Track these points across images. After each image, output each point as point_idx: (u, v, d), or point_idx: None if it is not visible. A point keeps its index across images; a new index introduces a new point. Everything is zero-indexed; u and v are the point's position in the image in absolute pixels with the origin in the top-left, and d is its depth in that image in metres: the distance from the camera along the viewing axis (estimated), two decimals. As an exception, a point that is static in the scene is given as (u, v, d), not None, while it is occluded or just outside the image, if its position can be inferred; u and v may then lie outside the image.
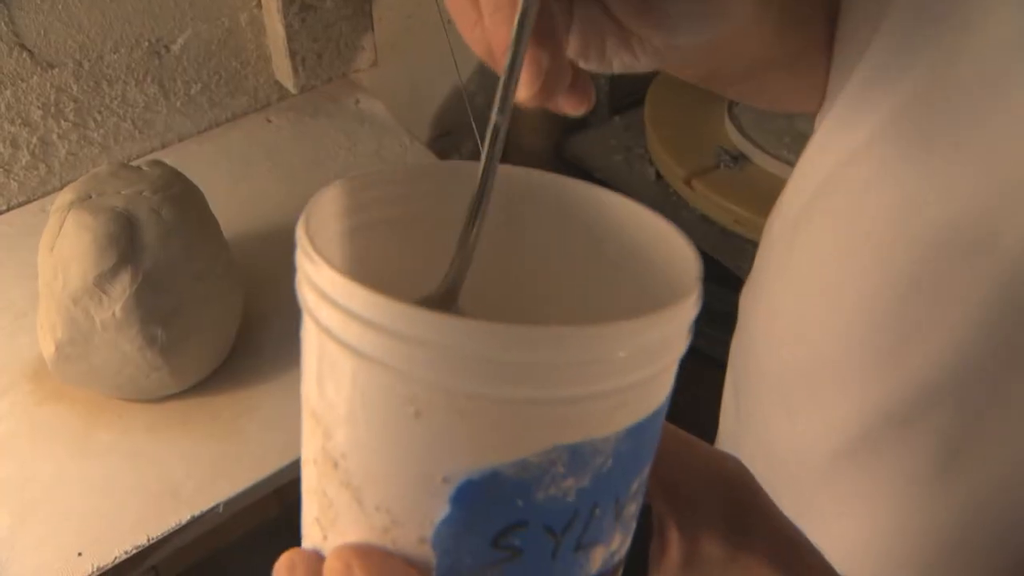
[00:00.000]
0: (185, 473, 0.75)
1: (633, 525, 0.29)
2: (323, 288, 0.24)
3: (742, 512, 0.31)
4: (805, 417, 0.50)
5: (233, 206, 0.97)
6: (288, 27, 1.01)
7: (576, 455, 0.25)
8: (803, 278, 0.49)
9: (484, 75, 1.36)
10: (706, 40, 0.35)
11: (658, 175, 1.31)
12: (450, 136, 1.39)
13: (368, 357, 0.23)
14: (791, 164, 1.20)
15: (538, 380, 0.23)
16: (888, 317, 0.44)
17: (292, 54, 1.04)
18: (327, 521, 0.27)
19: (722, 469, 0.32)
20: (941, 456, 0.45)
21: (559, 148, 1.41)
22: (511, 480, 0.24)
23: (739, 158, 1.25)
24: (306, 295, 0.26)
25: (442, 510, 0.24)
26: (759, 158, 1.24)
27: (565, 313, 0.33)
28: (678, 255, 0.29)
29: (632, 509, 0.28)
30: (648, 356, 0.25)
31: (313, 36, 1.04)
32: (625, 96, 1.45)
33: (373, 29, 1.08)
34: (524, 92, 0.31)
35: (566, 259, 0.33)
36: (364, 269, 0.30)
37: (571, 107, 0.34)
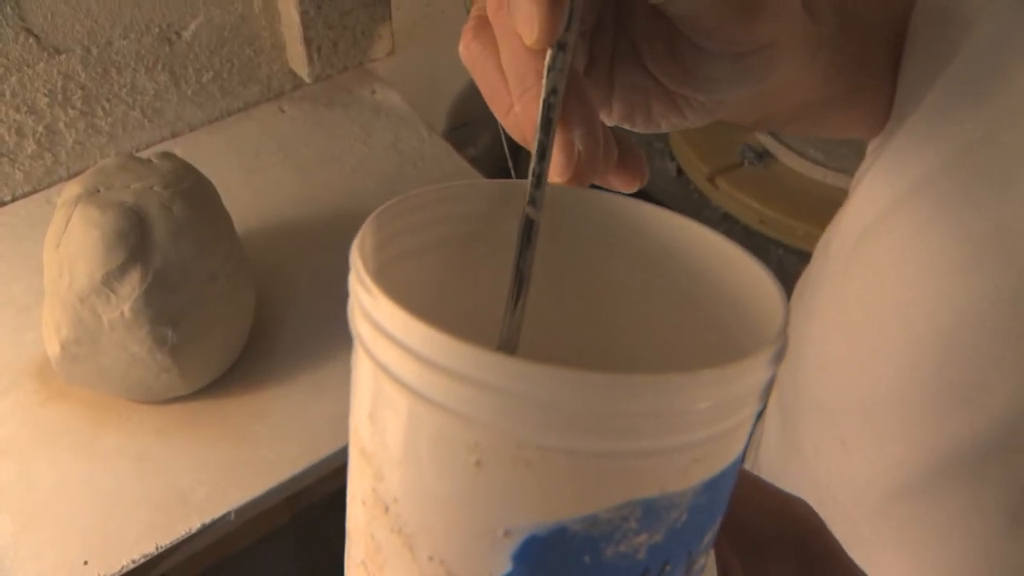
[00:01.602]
0: (195, 479, 0.72)
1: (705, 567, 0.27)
2: (380, 322, 0.22)
3: (811, 560, 0.29)
4: (862, 452, 0.47)
5: (244, 199, 0.94)
6: (303, 14, 0.98)
7: (650, 510, 0.22)
8: (866, 304, 0.46)
9: (503, 66, 1.33)
10: (754, 94, 0.33)
11: (679, 171, 1.27)
12: (468, 127, 1.36)
13: (427, 399, 0.21)
14: (818, 163, 1.18)
15: (613, 432, 0.21)
16: (965, 354, 0.41)
17: (307, 42, 1.00)
18: (374, 567, 0.25)
19: (791, 513, 0.30)
20: (1013, 505, 0.42)
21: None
22: (579, 536, 0.22)
23: (764, 155, 1.21)
24: (360, 327, 0.23)
25: (503, 566, 0.22)
26: (785, 156, 1.20)
27: (633, 348, 0.31)
28: (761, 292, 0.26)
29: (702, 561, 0.26)
30: (731, 407, 0.22)
31: (329, 24, 1.00)
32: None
33: (391, 17, 1.05)
34: (558, 178, 0.28)
35: (634, 288, 0.31)
36: (420, 296, 0.27)
37: (622, 184, 0.32)
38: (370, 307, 0.22)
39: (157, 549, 0.69)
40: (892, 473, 0.46)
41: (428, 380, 0.21)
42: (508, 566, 0.22)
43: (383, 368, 0.22)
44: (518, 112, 0.29)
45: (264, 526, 0.77)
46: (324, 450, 0.75)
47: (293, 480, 0.74)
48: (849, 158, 1.18)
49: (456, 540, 0.22)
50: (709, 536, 0.26)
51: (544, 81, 0.27)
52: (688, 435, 0.22)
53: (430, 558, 0.23)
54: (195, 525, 0.70)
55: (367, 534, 0.25)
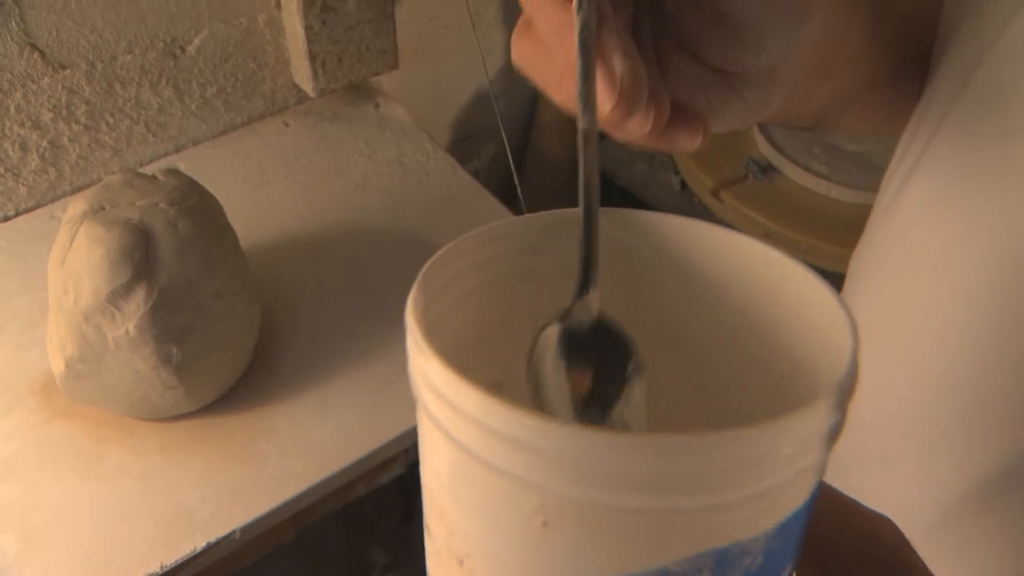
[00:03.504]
0: (200, 497, 0.72)
1: None
2: (440, 389, 0.22)
3: None
4: (907, 469, 0.47)
5: (248, 214, 0.94)
6: (308, 29, 0.98)
7: (723, 560, 0.22)
8: (901, 320, 0.46)
9: (508, 78, 1.33)
10: (793, 43, 0.33)
11: (683, 185, 1.27)
12: (471, 140, 1.36)
13: (492, 466, 0.21)
14: (822, 176, 1.18)
15: (677, 489, 0.21)
16: (1002, 367, 0.41)
17: (312, 56, 1.00)
18: None
19: (876, 531, 0.29)
20: None
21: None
22: None
23: (768, 169, 1.21)
24: (421, 390, 0.23)
25: None
26: (789, 170, 1.20)
27: (697, 374, 0.30)
28: (827, 317, 0.26)
29: None
30: (799, 453, 0.22)
31: (334, 38, 1.00)
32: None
33: (395, 32, 1.05)
34: (606, 104, 0.29)
35: (692, 312, 0.30)
36: (474, 341, 0.28)
37: (685, 140, 0.33)
38: (427, 372, 0.22)
39: (162, 568, 0.68)
40: (942, 490, 0.45)
41: (489, 446, 0.21)
42: None
43: (445, 433, 0.22)
44: (560, 66, 0.30)
45: (269, 544, 0.76)
46: (329, 468, 0.74)
47: (298, 498, 0.73)
48: (854, 172, 1.18)
49: None
50: (787, 570, 0.25)
51: (575, 20, 0.29)
52: (756, 486, 0.21)
53: None
54: (200, 544, 0.69)
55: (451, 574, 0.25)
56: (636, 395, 0.27)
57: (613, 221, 0.29)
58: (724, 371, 0.31)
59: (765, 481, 0.21)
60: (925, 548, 0.48)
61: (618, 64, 0.29)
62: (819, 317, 0.26)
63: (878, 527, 0.29)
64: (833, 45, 0.40)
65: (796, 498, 0.23)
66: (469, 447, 0.22)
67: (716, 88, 0.33)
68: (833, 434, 0.23)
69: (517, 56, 0.33)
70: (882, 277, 0.48)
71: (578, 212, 0.28)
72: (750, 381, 0.30)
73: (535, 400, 0.27)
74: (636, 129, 0.32)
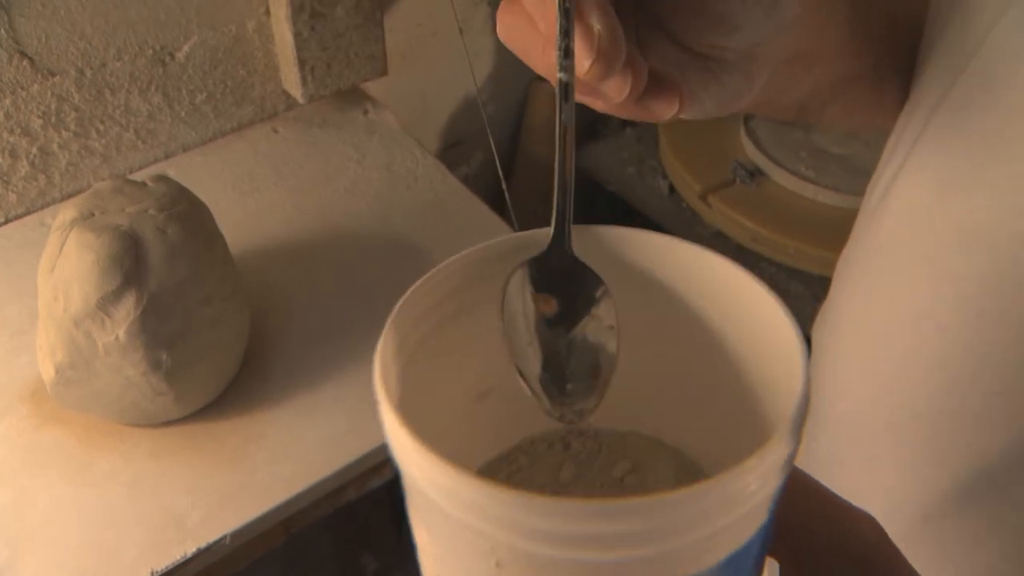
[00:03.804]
0: (190, 502, 0.72)
1: None
2: (406, 457, 0.24)
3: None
4: (890, 470, 0.47)
5: (238, 220, 0.94)
6: (297, 35, 0.98)
7: None
8: (885, 321, 0.46)
9: (496, 84, 1.34)
10: (767, 28, 0.34)
11: (671, 189, 1.28)
12: (460, 146, 1.36)
13: (453, 516, 0.23)
14: (809, 180, 1.19)
15: (623, 545, 0.22)
16: (984, 369, 0.41)
17: (301, 63, 1.01)
18: None
19: (856, 530, 0.29)
20: None
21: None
22: None
23: (755, 173, 1.22)
24: (393, 448, 0.25)
25: None
26: (776, 173, 1.21)
27: (657, 376, 0.31)
28: (785, 346, 0.26)
29: None
30: (743, 498, 0.23)
31: (323, 45, 1.01)
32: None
33: (384, 38, 1.05)
34: (585, 60, 0.30)
35: (651, 326, 0.31)
36: (445, 375, 0.29)
37: (663, 107, 0.34)
38: (395, 443, 0.24)
39: (152, 574, 0.68)
40: (925, 490, 0.46)
41: (449, 500, 0.23)
42: None
43: (414, 482, 0.24)
44: (543, 35, 0.31)
45: (260, 549, 0.77)
46: (319, 473, 0.75)
47: (288, 503, 0.73)
48: (840, 176, 1.19)
49: None
50: None
51: None
52: (704, 531, 0.22)
53: None
54: (190, 549, 0.69)
55: None
56: (604, 315, 0.29)
57: (583, 237, 0.30)
58: (688, 384, 0.31)
59: (715, 525, 0.22)
60: (909, 547, 0.48)
61: (596, 23, 0.30)
62: (777, 341, 0.26)
63: (858, 523, 0.29)
64: (812, 37, 0.41)
65: (747, 531, 0.24)
66: (432, 497, 0.23)
67: (694, 71, 0.34)
68: (788, 464, 0.24)
69: (502, 29, 0.34)
70: (868, 279, 0.48)
71: (541, 230, 0.29)
72: (711, 394, 0.31)
73: (505, 333, 0.28)
74: (614, 93, 0.33)
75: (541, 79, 1.37)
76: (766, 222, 1.16)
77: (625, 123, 1.41)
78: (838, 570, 0.28)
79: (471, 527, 0.23)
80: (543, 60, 0.32)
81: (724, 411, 0.30)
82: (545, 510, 0.21)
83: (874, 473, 0.48)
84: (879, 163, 0.50)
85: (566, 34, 0.30)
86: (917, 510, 0.46)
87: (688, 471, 0.32)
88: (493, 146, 1.01)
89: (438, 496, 0.23)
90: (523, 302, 0.28)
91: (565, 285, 0.29)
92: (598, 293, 0.29)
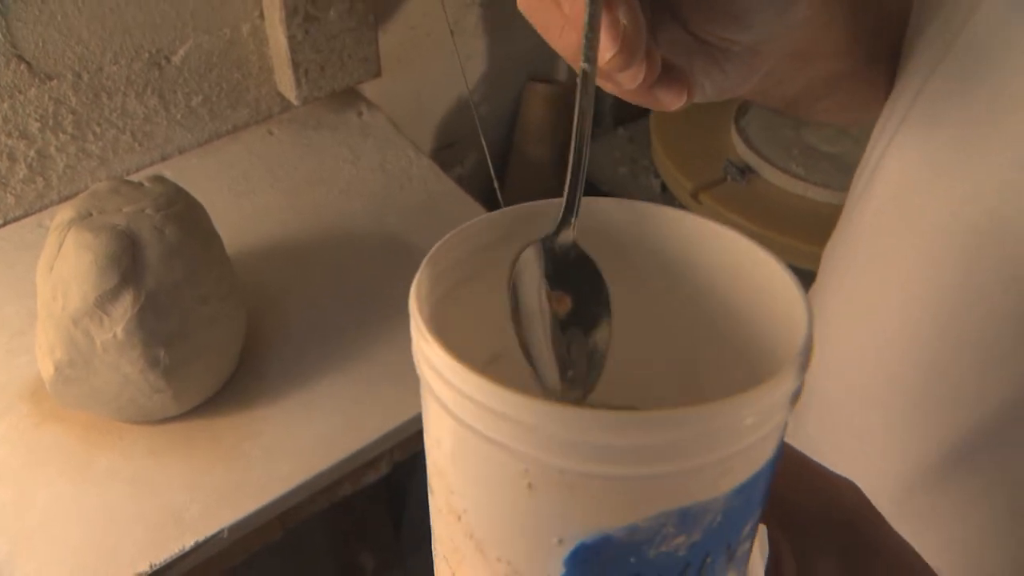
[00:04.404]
0: (188, 498, 0.73)
1: (747, 558, 0.29)
2: (441, 371, 0.25)
3: (859, 546, 0.31)
4: (876, 446, 0.49)
5: (234, 221, 0.96)
6: (291, 38, 1.00)
7: (685, 517, 0.25)
8: (872, 301, 0.48)
9: (489, 85, 1.35)
10: (778, 26, 0.36)
11: (663, 188, 1.29)
12: (454, 147, 1.37)
13: (483, 435, 0.24)
14: (799, 178, 1.20)
15: (643, 460, 0.24)
16: (965, 343, 0.43)
17: (295, 65, 1.02)
18: (455, 562, 0.29)
19: (839, 498, 0.31)
20: (1020, 486, 0.43)
21: (564, 159, 1.39)
22: (623, 542, 0.25)
23: (746, 171, 1.23)
24: (424, 371, 0.26)
25: (559, 569, 0.26)
26: (767, 171, 1.22)
27: (661, 349, 0.33)
28: (788, 302, 0.28)
29: (746, 547, 0.28)
30: (755, 424, 0.24)
31: (316, 47, 1.02)
32: (629, 106, 1.43)
33: (377, 40, 1.06)
34: (609, 50, 0.32)
35: (657, 291, 0.32)
36: (472, 323, 0.30)
37: (671, 98, 0.35)
38: (430, 355, 0.25)
39: (151, 567, 0.69)
40: (906, 464, 0.47)
41: (482, 419, 0.24)
42: (563, 569, 0.25)
43: (444, 407, 0.25)
44: (563, 16, 0.32)
45: (256, 543, 0.78)
46: (315, 468, 0.76)
47: (284, 498, 0.75)
48: (830, 173, 1.20)
49: (517, 546, 0.26)
50: (749, 527, 0.28)
51: None
52: (714, 454, 0.24)
53: (498, 559, 0.27)
54: (188, 543, 0.71)
55: (447, 535, 0.28)
56: (603, 306, 0.30)
57: (595, 208, 0.31)
58: (696, 346, 0.33)
59: (729, 448, 0.24)
60: (896, 518, 0.50)
61: (623, 16, 0.32)
62: (779, 299, 0.28)
63: (841, 489, 0.31)
64: (814, 34, 0.42)
65: (757, 462, 0.25)
66: (464, 419, 0.24)
67: (700, 58, 0.36)
68: (794, 398, 0.26)
69: (523, 2, 0.35)
70: (854, 263, 0.50)
71: (556, 200, 0.30)
72: (718, 355, 0.32)
73: (513, 317, 0.29)
74: (628, 81, 0.34)
75: (535, 80, 1.39)
76: (757, 219, 1.17)
77: (618, 123, 1.43)
78: (823, 534, 0.30)
79: (505, 448, 0.24)
80: (561, 40, 0.33)
81: (730, 374, 0.31)
82: (578, 420, 0.23)
83: (862, 448, 0.50)
84: (864, 154, 0.52)
85: (592, 25, 0.31)
86: (902, 483, 0.48)
87: None
88: (485, 147, 1.02)
89: (474, 419, 0.24)
90: (539, 298, 0.30)
91: (569, 273, 0.30)
92: (598, 284, 0.30)
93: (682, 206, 1.25)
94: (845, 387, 0.50)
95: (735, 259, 0.30)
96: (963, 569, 0.47)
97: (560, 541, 0.25)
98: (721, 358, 0.32)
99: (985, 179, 0.41)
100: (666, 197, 1.28)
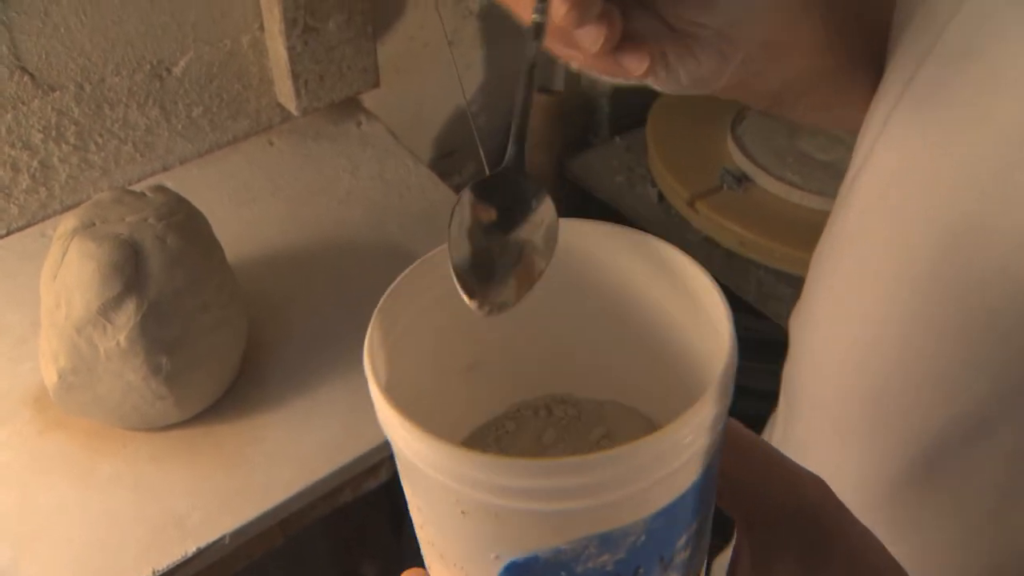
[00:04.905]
0: (190, 504, 0.74)
1: (691, 562, 0.30)
2: (386, 425, 0.27)
3: (820, 543, 0.31)
4: (859, 445, 0.49)
5: (235, 230, 0.96)
6: (291, 49, 1.01)
7: (606, 540, 0.26)
8: (858, 302, 0.48)
9: (487, 95, 1.36)
10: (742, 10, 0.37)
11: (660, 197, 1.30)
12: (452, 156, 1.38)
13: (426, 473, 0.27)
14: (795, 185, 1.21)
15: (561, 498, 0.25)
16: (945, 340, 0.43)
17: (295, 76, 1.03)
18: (429, 561, 0.31)
19: (802, 494, 0.31)
20: (1000, 481, 0.44)
21: (561, 168, 1.40)
22: (550, 561, 0.27)
23: (743, 179, 1.24)
24: (378, 415, 0.28)
25: None
26: (763, 179, 1.23)
27: (626, 364, 0.34)
28: (713, 326, 0.29)
29: (684, 555, 0.29)
30: (674, 456, 0.25)
31: (316, 59, 1.03)
32: (626, 116, 1.44)
33: (376, 51, 1.08)
34: (561, 3, 0.33)
35: (609, 307, 0.33)
36: (451, 334, 0.32)
37: (634, 63, 0.37)
38: (380, 414, 0.28)
39: (153, 573, 0.70)
40: (891, 463, 0.48)
41: (421, 457, 0.26)
42: None
43: (396, 446, 0.28)
44: None
45: (258, 550, 0.78)
46: (316, 474, 0.76)
47: (286, 504, 0.75)
48: (825, 180, 1.21)
49: (465, 556, 0.28)
50: (684, 539, 0.28)
51: None
52: (631, 488, 0.25)
53: (455, 564, 0.29)
54: (190, 549, 0.71)
55: (419, 539, 0.31)
56: (542, 216, 0.31)
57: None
58: (655, 357, 0.34)
59: (647, 481, 0.25)
60: (881, 519, 0.50)
61: None
62: (713, 316, 0.29)
63: (807, 484, 0.31)
64: (786, 26, 0.44)
65: (679, 487, 0.26)
66: (410, 458, 0.27)
67: (672, 44, 0.37)
68: (718, 422, 0.27)
69: None
70: (839, 266, 0.51)
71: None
72: (674, 366, 0.33)
73: (450, 245, 0.30)
74: (588, 42, 0.35)
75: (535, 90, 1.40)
76: (753, 227, 1.18)
77: (614, 132, 1.44)
78: (789, 528, 0.30)
79: (439, 482, 0.26)
80: (528, 13, 0.35)
81: (684, 381, 0.32)
82: (492, 467, 0.25)
83: (848, 450, 0.51)
84: (851, 158, 0.52)
85: None
86: (888, 483, 0.48)
87: None
88: (483, 156, 1.03)
89: (414, 457, 0.26)
90: (463, 211, 0.31)
91: (508, 196, 0.31)
92: (537, 199, 0.31)
93: (679, 214, 1.26)
94: (833, 389, 0.51)
95: (674, 274, 0.31)
96: (946, 570, 0.48)
97: (496, 557, 0.27)
98: (679, 364, 0.33)
99: (962, 181, 0.42)
100: (663, 206, 1.29)
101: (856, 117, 0.52)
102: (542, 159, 1.41)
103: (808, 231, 1.17)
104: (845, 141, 1.26)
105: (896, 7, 0.49)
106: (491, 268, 0.30)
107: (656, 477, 0.25)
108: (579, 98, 1.46)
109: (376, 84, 1.10)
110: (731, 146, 1.29)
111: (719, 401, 0.26)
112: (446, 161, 1.38)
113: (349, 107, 1.13)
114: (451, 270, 0.30)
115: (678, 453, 0.25)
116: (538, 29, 0.33)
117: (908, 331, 0.45)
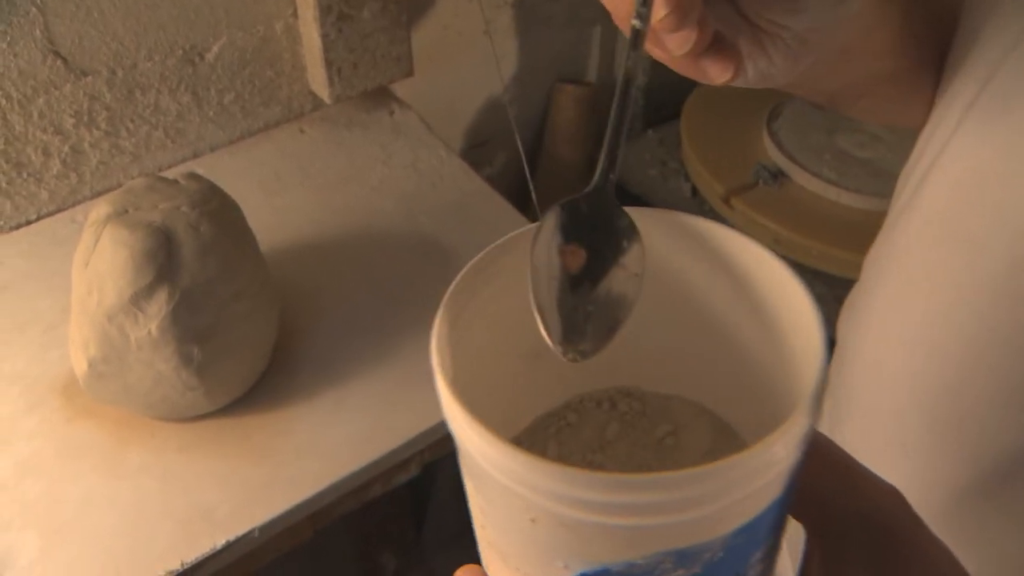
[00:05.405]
0: (219, 496, 0.73)
1: (763, 574, 0.29)
2: (456, 423, 0.26)
3: (893, 555, 0.29)
4: (923, 456, 0.48)
5: (266, 218, 0.95)
6: (324, 36, 1.00)
7: (683, 556, 0.25)
8: (920, 308, 0.47)
9: (520, 85, 1.35)
10: (830, 18, 0.36)
11: (694, 191, 1.28)
12: (485, 146, 1.37)
13: (494, 477, 0.25)
14: (831, 183, 1.19)
15: (638, 514, 0.24)
16: (1017, 351, 0.42)
17: (328, 64, 1.02)
18: (487, 560, 0.30)
19: (878, 505, 0.30)
20: None
21: (592, 161, 1.39)
22: (622, 573, 0.25)
23: (778, 175, 1.22)
24: (445, 415, 0.27)
25: None
26: (799, 176, 1.21)
27: (696, 359, 0.33)
28: (797, 331, 0.28)
29: (758, 569, 0.28)
30: (761, 472, 0.24)
31: (350, 46, 1.02)
32: (660, 109, 1.42)
33: (410, 40, 1.06)
34: (662, 7, 0.32)
35: (699, 303, 0.32)
36: (514, 321, 0.30)
37: (717, 71, 0.36)
38: (449, 414, 0.26)
39: (182, 566, 0.69)
40: (958, 475, 0.46)
41: (492, 463, 0.25)
42: None
43: (463, 447, 0.26)
44: None
45: (287, 544, 0.78)
46: (346, 468, 0.75)
47: (316, 497, 0.74)
48: (863, 178, 1.19)
49: (531, 562, 0.27)
50: (759, 554, 0.27)
51: None
52: (713, 506, 0.24)
53: (517, 568, 0.28)
54: (220, 542, 0.70)
55: (477, 536, 0.30)
56: (631, 263, 0.29)
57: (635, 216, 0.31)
58: (726, 354, 0.33)
59: (729, 499, 0.24)
60: (940, 533, 0.48)
61: None
62: (800, 323, 0.28)
63: (883, 495, 0.30)
64: (865, 31, 0.42)
65: (760, 504, 0.25)
66: (477, 460, 0.25)
67: (747, 40, 0.36)
68: (808, 437, 0.25)
69: None
70: (898, 274, 0.49)
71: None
72: (745, 364, 0.32)
73: (532, 280, 0.29)
74: (676, 46, 0.34)
75: (564, 81, 1.38)
76: (789, 224, 1.16)
77: (647, 125, 1.42)
78: (861, 539, 0.29)
79: (508, 487, 0.25)
80: (613, 1, 0.33)
81: (758, 380, 0.31)
82: (570, 480, 0.23)
83: (908, 459, 0.49)
84: (909, 160, 0.51)
85: None
86: (950, 494, 0.47)
87: (725, 435, 0.33)
88: (520, 146, 1.02)
89: (484, 461, 0.25)
90: (549, 253, 0.29)
91: (595, 231, 0.30)
92: (628, 240, 0.30)
93: (713, 209, 1.24)
94: (890, 397, 0.49)
95: (760, 274, 0.30)
96: None
97: (565, 566, 0.26)
98: (751, 362, 0.32)
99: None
100: (696, 201, 1.27)
101: (914, 115, 0.51)
102: (572, 151, 1.40)
103: (845, 229, 1.16)
104: (884, 139, 1.23)
105: (964, 10, 0.47)
106: (576, 315, 0.29)
107: (742, 494, 0.24)
108: (612, 90, 1.44)
109: (410, 73, 1.09)
110: (767, 141, 1.26)
111: (811, 415, 0.25)
112: (478, 151, 1.36)
113: (382, 96, 1.12)
114: (533, 307, 0.28)
115: (767, 469, 0.24)
116: (637, 37, 0.32)
117: (977, 342, 0.43)
